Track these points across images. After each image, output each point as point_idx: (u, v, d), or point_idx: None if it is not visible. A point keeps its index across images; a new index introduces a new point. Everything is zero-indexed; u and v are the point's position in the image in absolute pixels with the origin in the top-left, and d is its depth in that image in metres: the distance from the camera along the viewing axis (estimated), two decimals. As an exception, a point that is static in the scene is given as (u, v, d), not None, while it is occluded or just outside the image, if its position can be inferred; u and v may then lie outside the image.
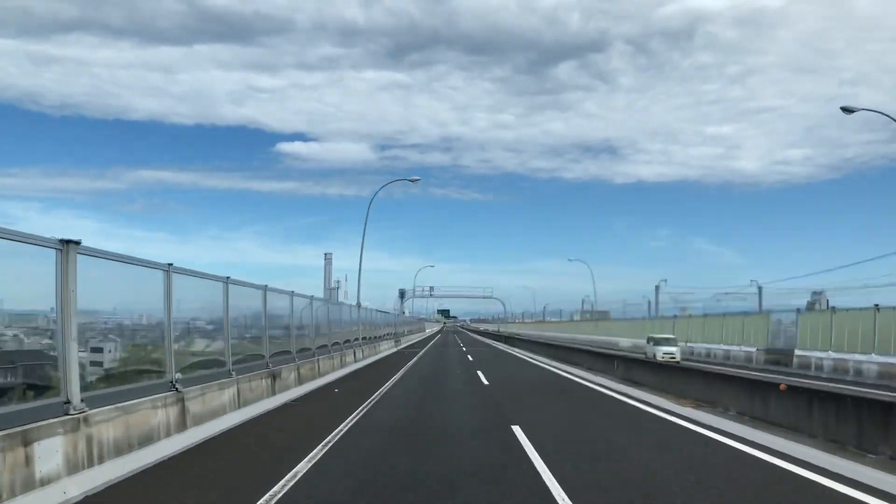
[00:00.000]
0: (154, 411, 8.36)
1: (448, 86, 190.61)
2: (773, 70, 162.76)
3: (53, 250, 6.63)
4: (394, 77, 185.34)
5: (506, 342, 60.34)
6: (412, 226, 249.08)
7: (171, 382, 9.10)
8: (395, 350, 43.47)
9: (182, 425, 9.17)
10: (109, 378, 8.45)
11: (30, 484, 5.77)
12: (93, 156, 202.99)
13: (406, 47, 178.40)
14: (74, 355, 6.66)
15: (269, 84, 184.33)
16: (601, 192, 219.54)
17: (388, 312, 48.09)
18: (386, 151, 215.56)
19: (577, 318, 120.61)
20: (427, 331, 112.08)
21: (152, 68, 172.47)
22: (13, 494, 5.56)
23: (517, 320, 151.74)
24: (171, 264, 9.28)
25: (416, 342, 62.69)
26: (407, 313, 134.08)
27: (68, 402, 6.54)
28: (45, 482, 5.94)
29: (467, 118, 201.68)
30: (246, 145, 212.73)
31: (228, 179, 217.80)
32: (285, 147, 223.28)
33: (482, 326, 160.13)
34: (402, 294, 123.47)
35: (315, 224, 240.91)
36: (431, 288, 74.55)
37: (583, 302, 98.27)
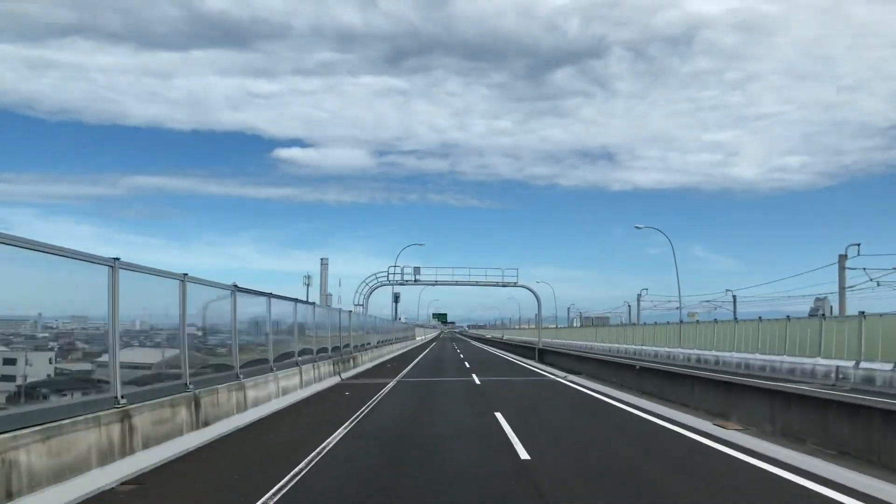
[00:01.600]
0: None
1: (446, 91, 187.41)
2: (772, 76, 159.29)
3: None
4: (392, 83, 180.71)
5: (540, 359, 36.13)
6: (410, 232, 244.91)
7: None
8: (314, 391, 19.04)
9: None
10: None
11: None
12: (90, 161, 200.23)
13: (404, 53, 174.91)
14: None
15: (266, 90, 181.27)
16: (599, 199, 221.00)
17: (317, 305, 23.25)
18: (383, 157, 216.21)
19: (575, 323, 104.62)
20: (419, 338, 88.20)
21: (149, 74, 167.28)
22: None
23: (516, 326, 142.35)
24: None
25: (392, 359, 38.58)
26: (403, 319, 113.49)
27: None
28: None
29: (465, 124, 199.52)
30: (243, 151, 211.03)
31: (226, 185, 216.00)
32: (283, 153, 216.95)
33: (488, 334, 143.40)
34: (396, 298, 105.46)
35: (313, 230, 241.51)
36: (416, 269, 45.01)
37: (638, 298, 73.10)
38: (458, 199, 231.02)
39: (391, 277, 42.90)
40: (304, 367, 18.57)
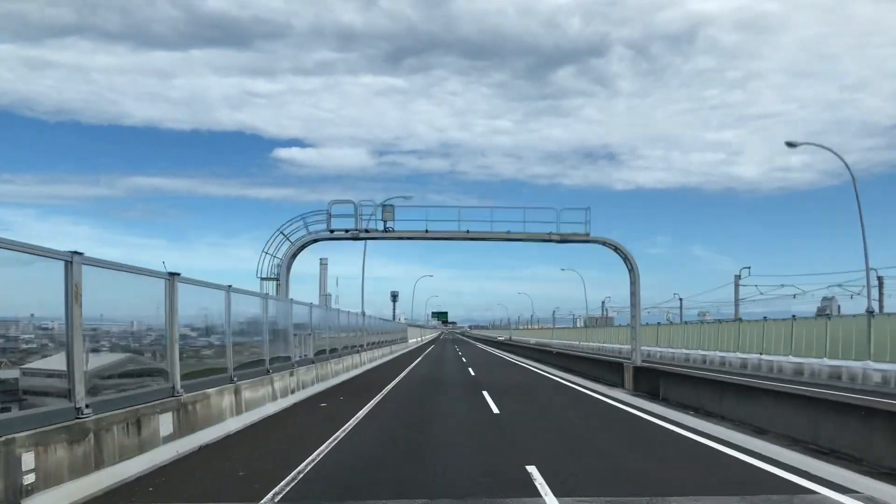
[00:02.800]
0: None
1: (446, 91, 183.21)
2: (774, 75, 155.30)
3: None
4: (392, 82, 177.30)
5: (638, 387, 17.91)
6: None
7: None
8: None
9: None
10: None
11: None
12: (89, 162, 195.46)
13: (404, 52, 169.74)
14: None
15: (265, 89, 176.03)
16: (600, 199, 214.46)
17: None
18: (384, 157, 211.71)
19: (578, 324, 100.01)
20: (413, 341, 69.99)
21: (148, 74, 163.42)
22: None
23: (523, 326, 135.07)
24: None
25: (344, 384, 20.00)
26: (403, 319, 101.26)
27: None
28: None
29: (466, 123, 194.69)
30: (243, 151, 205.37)
31: (226, 186, 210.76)
32: (282, 153, 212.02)
33: (500, 335, 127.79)
34: (394, 297, 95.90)
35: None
36: (385, 209, 21.35)
37: (736, 280, 53.79)
38: (458, 199, 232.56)
39: (333, 224, 20.80)
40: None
